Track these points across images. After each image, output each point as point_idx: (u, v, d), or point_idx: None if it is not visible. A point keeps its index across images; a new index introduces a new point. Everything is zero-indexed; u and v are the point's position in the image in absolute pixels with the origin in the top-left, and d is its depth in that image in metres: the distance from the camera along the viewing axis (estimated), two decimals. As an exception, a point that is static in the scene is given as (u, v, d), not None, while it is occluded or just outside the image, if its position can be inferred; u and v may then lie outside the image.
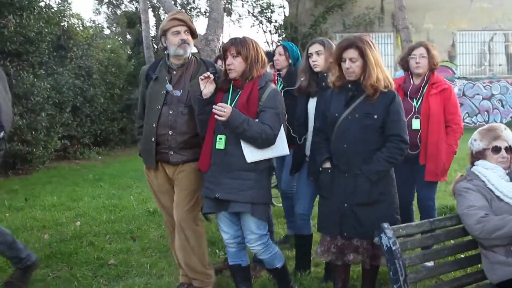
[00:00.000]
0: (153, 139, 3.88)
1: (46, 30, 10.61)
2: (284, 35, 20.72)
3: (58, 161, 12.22)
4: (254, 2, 23.66)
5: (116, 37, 21.90)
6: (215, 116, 3.41)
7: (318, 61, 4.19)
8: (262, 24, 23.06)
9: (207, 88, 3.66)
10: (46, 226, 6.28)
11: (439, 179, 4.53)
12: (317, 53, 4.20)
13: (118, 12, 25.94)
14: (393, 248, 2.86)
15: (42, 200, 7.88)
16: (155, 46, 19.00)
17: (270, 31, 22.56)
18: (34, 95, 10.40)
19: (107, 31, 23.53)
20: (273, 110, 3.52)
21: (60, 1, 13.35)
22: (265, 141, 3.49)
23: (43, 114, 10.76)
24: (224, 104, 3.42)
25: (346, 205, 3.46)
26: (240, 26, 35.16)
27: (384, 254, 2.93)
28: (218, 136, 3.58)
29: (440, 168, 4.44)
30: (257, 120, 3.51)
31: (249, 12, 24.77)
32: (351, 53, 3.44)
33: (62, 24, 13.04)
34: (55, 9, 12.33)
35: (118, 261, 4.90)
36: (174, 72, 3.93)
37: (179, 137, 3.84)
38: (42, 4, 11.29)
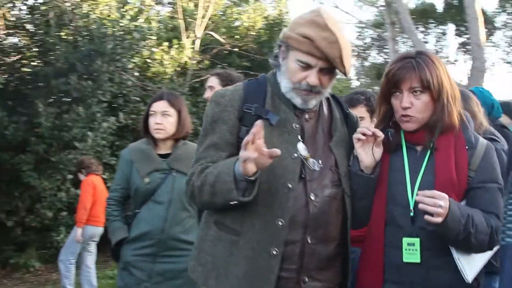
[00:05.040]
0: (275, 251, 1.98)
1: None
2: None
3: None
4: (508, 47, 22.15)
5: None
6: (427, 217, 1.90)
7: None
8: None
9: (371, 156, 2.09)
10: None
11: None
12: None
13: (366, 64, 26.24)
14: None
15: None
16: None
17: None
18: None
19: (356, 83, 23.90)
20: (495, 186, 2.08)
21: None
22: (495, 243, 2.05)
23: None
24: (437, 193, 1.89)
25: None
26: (492, 74, 32.89)
27: None
28: (407, 241, 2.03)
29: None
30: (463, 203, 2.06)
31: (503, 59, 23.26)
32: None
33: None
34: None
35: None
36: (307, 116, 2.14)
37: (322, 248, 2.06)
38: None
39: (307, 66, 2.00)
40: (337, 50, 1.96)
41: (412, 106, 2.05)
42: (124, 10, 8.60)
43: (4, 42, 8.00)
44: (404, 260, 2.02)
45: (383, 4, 19.57)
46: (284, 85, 2.08)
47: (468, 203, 2.05)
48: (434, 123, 2.07)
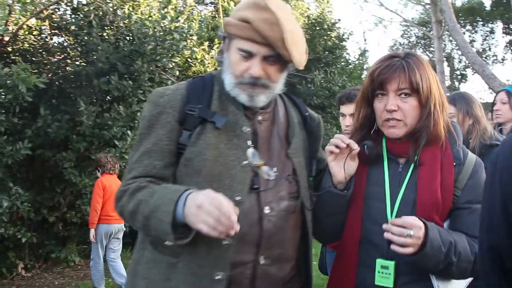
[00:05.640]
0: (219, 275, 1.69)
1: (349, 84, 10.82)
2: None
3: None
4: None
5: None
6: (393, 247, 1.73)
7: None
8: None
9: (343, 170, 1.85)
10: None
11: None
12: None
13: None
14: None
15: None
16: (451, 97, 18.10)
17: None
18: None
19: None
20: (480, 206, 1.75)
21: (358, 56, 13.70)
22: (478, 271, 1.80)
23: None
24: (408, 221, 1.71)
25: None
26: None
27: None
28: (381, 263, 1.82)
29: None
30: (446, 223, 1.85)
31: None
32: None
33: (362, 77, 13.30)
34: (356, 63, 12.64)
35: None
36: (260, 118, 1.88)
37: (277, 269, 1.81)
38: (344, 59, 11.67)
39: (249, 55, 1.74)
40: (277, 32, 1.67)
41: (399, 109, 1.83)
42: (166, 10, 8.68)
43: (49, 42, 8.22)
44: (376, 283, 1.82)
45: (429, 2, 19.16)
46: (228, 81, 1.82)
47: (451, 223, 1.85)
48: (419, 132, 1.85)
